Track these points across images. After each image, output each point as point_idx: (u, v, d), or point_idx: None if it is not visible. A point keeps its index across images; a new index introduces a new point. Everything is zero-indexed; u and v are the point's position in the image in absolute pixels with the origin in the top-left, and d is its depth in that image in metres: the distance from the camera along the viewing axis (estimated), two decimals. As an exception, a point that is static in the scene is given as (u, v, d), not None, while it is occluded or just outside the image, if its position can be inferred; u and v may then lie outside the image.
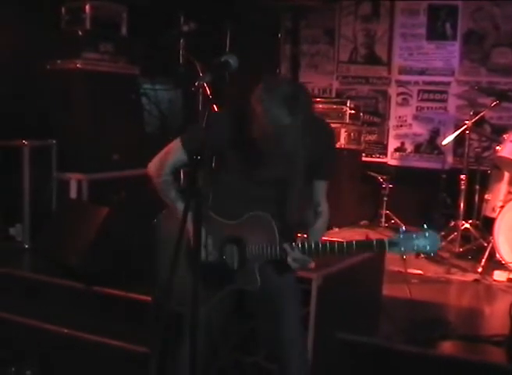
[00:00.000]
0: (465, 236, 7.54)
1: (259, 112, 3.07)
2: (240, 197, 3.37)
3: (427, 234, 3.18)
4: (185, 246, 3.28)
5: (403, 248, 3.18)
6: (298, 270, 3.50)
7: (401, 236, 3.19)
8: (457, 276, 6.80)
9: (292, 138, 3.14)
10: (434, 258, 7.31)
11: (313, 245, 3.31)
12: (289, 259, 3.28)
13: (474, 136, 8.10)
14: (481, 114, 7.64)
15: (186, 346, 3.23)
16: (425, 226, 3.20)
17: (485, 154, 8.37)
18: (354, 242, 3.30)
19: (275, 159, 3.30)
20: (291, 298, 3.51)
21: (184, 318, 3.32)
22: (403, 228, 3.25)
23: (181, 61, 8.16)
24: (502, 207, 6.93)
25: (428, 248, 3.19)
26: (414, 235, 3.18)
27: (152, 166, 3.51)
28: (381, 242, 3.21)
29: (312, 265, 3.55)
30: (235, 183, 3.41)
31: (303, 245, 3.29)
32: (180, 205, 3.39)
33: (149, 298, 4.65)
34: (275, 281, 3.44)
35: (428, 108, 9.52)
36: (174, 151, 3.44)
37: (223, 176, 3.45)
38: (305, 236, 3.58)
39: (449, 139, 7.94)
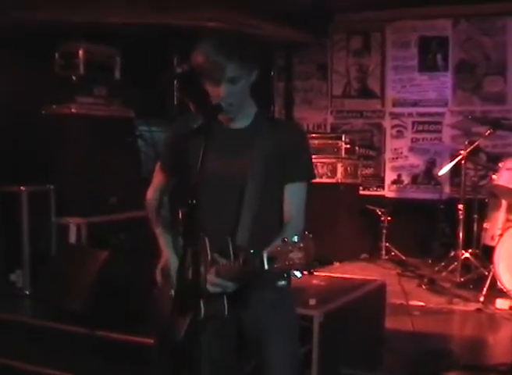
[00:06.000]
0: (466, 265, 7.56)
1: None
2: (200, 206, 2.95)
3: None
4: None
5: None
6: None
7: None
8: (459, 306, 6.80)
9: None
10: (435, 288, 7.32)
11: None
12: (206, 284, 2.96)
13: (470, 165, 8.13)
14: (476, 143, 7.68)
15: None
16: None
17: (482, 182, 8.39)
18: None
19: (239, 152, 3.09)
20: (278, 334, 3.19)
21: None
22: None
23: (175, 102, 8.19)
24: (501, 235, 6.94)
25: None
26: None
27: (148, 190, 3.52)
28: None
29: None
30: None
31: (216, 270, 2.94)
32: (158, 232, 3.39)
33: (151, 341, 4.63)
34: (254, 320, 3.17)
35: (423, 139, 9.57)
36: (156, 174, 3.44)
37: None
38: None
39: (445, 169, 7.98)
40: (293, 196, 3.13)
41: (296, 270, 2.62)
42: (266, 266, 2.67)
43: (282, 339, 3.21)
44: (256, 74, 3.08)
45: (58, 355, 5.40)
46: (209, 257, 3.01)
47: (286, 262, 2.63)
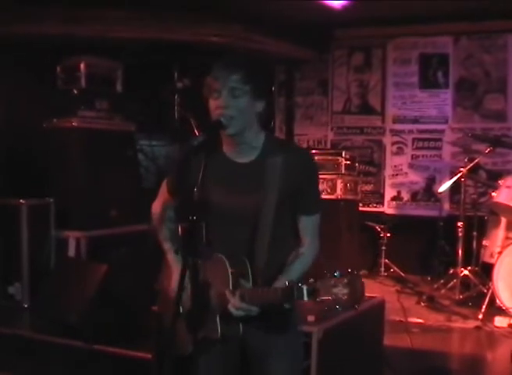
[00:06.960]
0: (465, 283, 7.55)
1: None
2: (212, 236, 3.11)
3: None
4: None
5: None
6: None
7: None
8: (458, 323, 6.80)
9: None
10: (435, 306, 7.31)
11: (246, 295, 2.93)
12: (229, 307, 2.93)
13: (469, 182, 8.14)
14: (476, 161, 7.69)
15: None
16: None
17: (482, 200, 8.39)
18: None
19: (249, 187, 3.08)
20: (279, 359, 3.19)
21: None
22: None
23: (176, 117, 8.19)
24: (500, 253, 6.94)
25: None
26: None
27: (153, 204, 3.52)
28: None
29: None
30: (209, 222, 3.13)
31: (241, 295, 2.92)
32: (166, 247, 3.36)
33: (150, 356, 4.62)
34: (260, 340, 3.17)
35: (423, 156, 9.57)
36: (162, 190, 3.42)
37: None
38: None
39: (445, 186, 7.97)
40: (308, 226, 3.19)
41: (339, 306, 2.63)
42: (306, 298, 2.68)
43: (286, 361, 3.21)
44: (263, 106, 3.06)
45: (56, 369, 5.39)
46: (230, 279, 2.99)
47: (329, 297, 2.65)
